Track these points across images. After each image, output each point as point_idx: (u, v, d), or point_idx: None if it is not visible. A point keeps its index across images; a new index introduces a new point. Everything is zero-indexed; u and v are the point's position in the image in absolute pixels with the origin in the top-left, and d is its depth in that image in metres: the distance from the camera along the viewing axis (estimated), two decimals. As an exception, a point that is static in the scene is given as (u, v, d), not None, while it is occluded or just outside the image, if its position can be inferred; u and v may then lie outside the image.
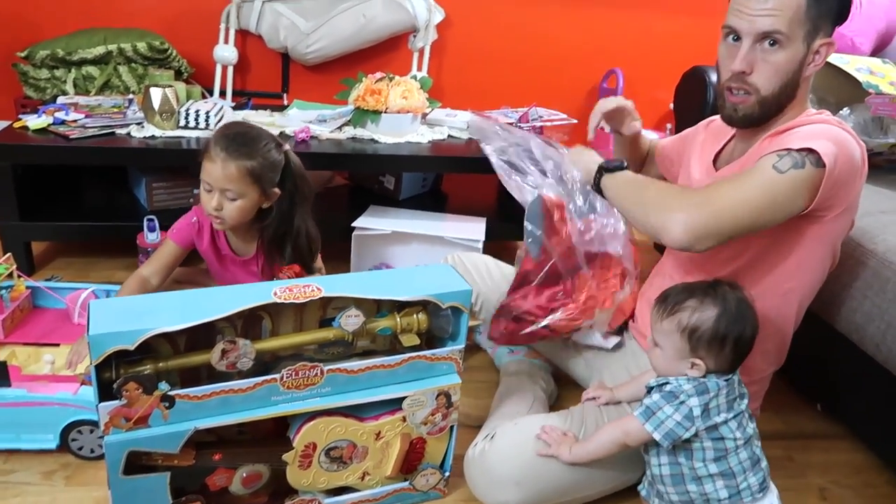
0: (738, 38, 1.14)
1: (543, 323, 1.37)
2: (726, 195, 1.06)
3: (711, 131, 1.38)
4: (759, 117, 1.18)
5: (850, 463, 1.46)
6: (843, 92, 1.84)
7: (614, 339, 1.43)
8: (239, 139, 1.41)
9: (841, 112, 1.73)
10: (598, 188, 1.25)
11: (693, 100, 2.06)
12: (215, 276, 1.62)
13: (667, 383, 1.07)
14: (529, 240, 1.42)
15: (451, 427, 1.21)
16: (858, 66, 1.87)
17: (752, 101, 1.16)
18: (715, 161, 1.31)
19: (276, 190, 1.46)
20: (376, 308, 1.18)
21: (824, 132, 1.10)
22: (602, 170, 1.25)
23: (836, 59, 1.91)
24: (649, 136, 1.60)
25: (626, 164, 1.25)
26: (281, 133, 1.97)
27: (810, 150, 1.06)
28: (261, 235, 1.52)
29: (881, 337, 1.31)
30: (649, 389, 1.11)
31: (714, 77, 2.02)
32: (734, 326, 1.05)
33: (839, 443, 1.52)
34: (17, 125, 1.85)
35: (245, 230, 1.53)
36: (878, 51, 2.48)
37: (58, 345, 1.47)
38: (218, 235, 1.55)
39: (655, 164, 1.55)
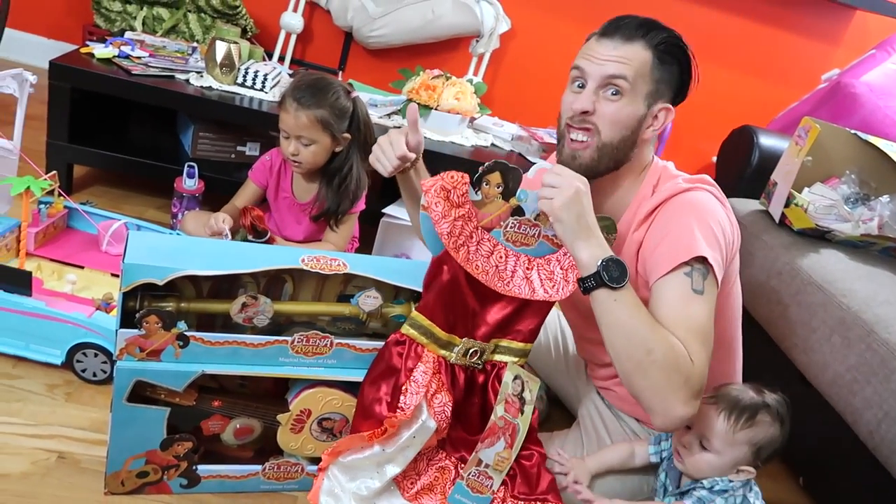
0: (583, 86, 1.16)
1: None
2: (703, 365, 1.03)
3: None
4: (594, 167, 1.16)
5: (820, 541, 1.47)
6: (885, 178, 1.85)
7: None
8: (309, 90, 1.55)
9: (881, 199, 1.74)
10: (589, 286, 1.03)
11: (738, 157, 2.08)
12: (274, 215, 1.77)
13: (714, 484, 1.14)
14: None
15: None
16: (906, 155, 1.87)
17: (592, 145, 1.15)
18: None
19: (347, 135, 1.60)
20: (394, 295, 1.21)
21: (698, 221, 1.11)
22: (608, 265, 1.01)
23: (885, 145, 1.91)
24: None
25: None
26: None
27: (702, 259, 1.07)
28: (322, 179, 1.66)
29: (876, 424, 1.32)
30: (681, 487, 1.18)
31: (763, 139, 2.04)
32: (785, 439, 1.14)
33: (813, 520, 1.52)
34: (83, 51, 1.90)
35: (311, 174, 1.68)
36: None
37: (83, 267, 1.51)
38: (284, 177, 1.70)
39: None
